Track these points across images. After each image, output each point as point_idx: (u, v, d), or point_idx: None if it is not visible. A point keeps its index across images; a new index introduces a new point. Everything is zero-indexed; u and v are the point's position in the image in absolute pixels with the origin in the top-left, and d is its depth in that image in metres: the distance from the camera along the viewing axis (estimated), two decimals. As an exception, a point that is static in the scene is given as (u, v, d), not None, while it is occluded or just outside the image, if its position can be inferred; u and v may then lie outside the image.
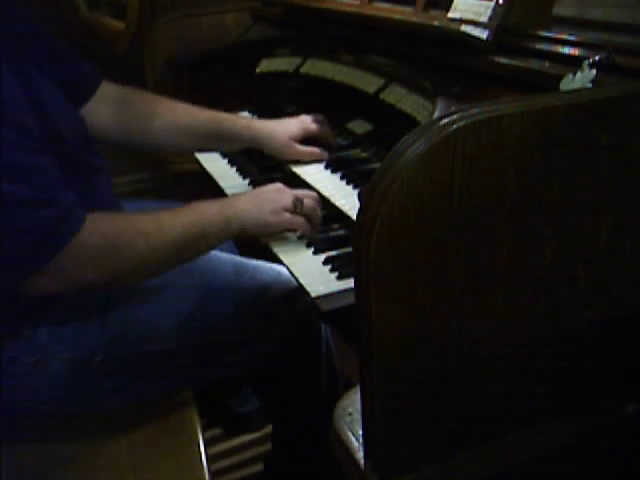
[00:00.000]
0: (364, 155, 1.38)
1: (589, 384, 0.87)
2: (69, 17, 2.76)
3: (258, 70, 1.79)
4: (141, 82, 1.93)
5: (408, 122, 1.20)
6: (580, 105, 0.72)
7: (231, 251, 1.37)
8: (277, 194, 1.14)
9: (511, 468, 0.85)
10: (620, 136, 0.74)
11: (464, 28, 1.12)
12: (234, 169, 1.51)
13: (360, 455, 0.78)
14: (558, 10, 1.13)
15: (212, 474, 1.04)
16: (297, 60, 1.66)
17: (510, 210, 0.70)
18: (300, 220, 1.12)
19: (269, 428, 1.55)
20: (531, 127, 0.69)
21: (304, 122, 1.39)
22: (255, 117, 1.67)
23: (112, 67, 2.41)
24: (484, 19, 1.09)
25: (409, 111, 1.23)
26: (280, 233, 1.16)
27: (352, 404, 0.84)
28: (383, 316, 0.69)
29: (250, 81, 1.79)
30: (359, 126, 1.46)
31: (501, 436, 0.83)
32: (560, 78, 0.92)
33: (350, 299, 0.92)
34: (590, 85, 0.88)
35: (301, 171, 1.34)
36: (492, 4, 1.09)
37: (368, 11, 1.39)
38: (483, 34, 1.09)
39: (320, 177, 1.30)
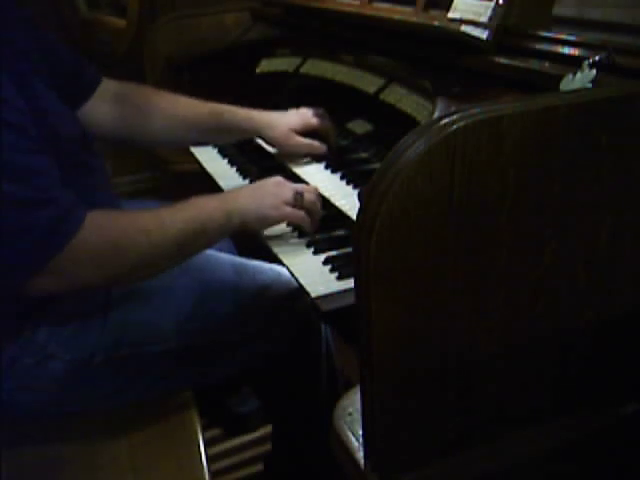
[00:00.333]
0: (364, 155, 1.38)
1: (589, 384, 0.87)
2: (69, 17, 2.76)
3: (258, 70, 1.79)
4: (141, 82, 1.93)
5: (408, 122, 1.20)
6: (580, 105, 0.72)
7: (230, 251, 1.37)
8: (277, 187, 1.13)
9: (511, 468, 0.85)
10: (620, 136, 0.74)
11: (464, 28, 1.12)
12: (234, 169, 1.51)
13: (360, 455, 0.78)
14: (558, 10, 1.13)
15: (212, 474, 1.04)
16: (297, 60, 1.66)
17: (510, 210, 0.70)
18: (300, 214, 1.12)
19: (269, 428, 1.55)
20: (531, 127, 0.69)
21: (305, 115, 1.39)
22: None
23: (112, 67, 2.41)
24: (484, 19, 1.09)
25: (409, 111, 1.23)
26: (280, 234, 1.16)
27: (352, 404, 0.84)
28: (383, 316, 0.69)
29: (250, 81, 1.79)
30: (359, 126, 1.46)
31: (501, 436, 0.83)
32: (560, 78, 0.92)
33: (350, 299, 0.92)
34: (590, 85, 0.88)
35: (301, 171, 1.34)
36: (492, 4, 1.09)
37: (368, 11, 1.39)
38: (483, 34, 1.09)
39: (320, 177, 1.30)
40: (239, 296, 1.16)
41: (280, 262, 1.12)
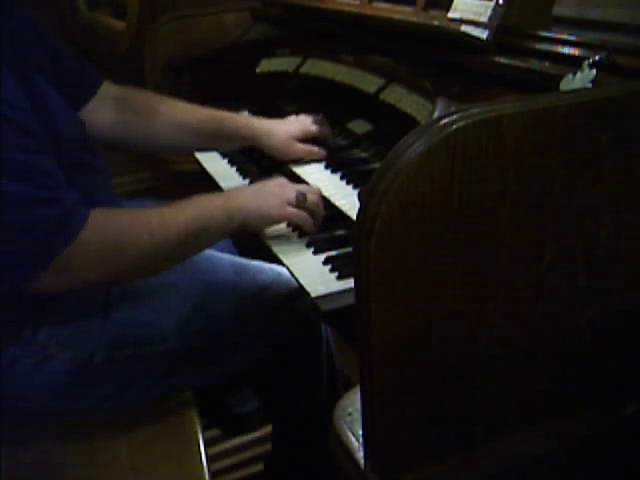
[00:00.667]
0: (364, 155, 1.38)
1: (589, 384, 0.87)
2: (69, 17, 2.76)
3: (258, 70, 1.79)
4: (141, 82, 1.93)
5: (408, 122, 1.20)
6: (580, 105, 0.72)
7: (230, 251, 1.37)
8: (280, 188, 1.14)
9: (511, 468, 0.85)
10: (620, 136, 0.74)
11: (464, 28, 1.12)
12: (234, 169, 1.51)
13: (360, 455, 0.78)
14: (558, 10, 1.13)
15: (212, 474, 1.04)
16: (297, 60, 1.66)
17: (510, 210, 0.70)
18: (303, 214, 1.12)
19: (269, 428, 1.55)
20: (531, 127, 0.69)
21: (304, 123, 1.39)
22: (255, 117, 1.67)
23: (112, 67, 2.41)
24: (484, 19, 1.09)
25: (409, 111, 1.23)
26: (280, 234, 1.16)
27: (352, 404, 0.84)
28: (383, 316, 0.69)
29: (250, 81, 1.79)
30: (359, 126, 1.46)
31: (501, 436, 0.83)
32: (560, 78, 0.92)
33: (350, 299, 0.92)
34: (590, 85, 0.88)
35: (301, 171, 1.34)
36: (492, 4, 1.09)
37: (368, 11, 1.39)
38: (483, 34, 1.09)
39: (320, 177, 1.30)
40: (239, 296, 1.16)
41: (280, 262, 1.12)
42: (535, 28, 1.09)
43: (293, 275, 1.06)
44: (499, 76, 1.08)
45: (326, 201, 1.20)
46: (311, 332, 1.26)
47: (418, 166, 0.65)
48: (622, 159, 0.75)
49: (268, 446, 1.47)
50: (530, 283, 0.76)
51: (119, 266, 0.98)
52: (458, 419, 0.79)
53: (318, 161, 1.37)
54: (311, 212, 1.13)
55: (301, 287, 1.02)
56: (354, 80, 1.44)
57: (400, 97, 1.28)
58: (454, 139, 0.65)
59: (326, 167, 1.34)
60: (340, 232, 1.17)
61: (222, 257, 1.23)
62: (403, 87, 1.30)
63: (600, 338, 0.84)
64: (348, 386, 0.91)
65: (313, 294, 0.99)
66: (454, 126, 0.65)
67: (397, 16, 1.30)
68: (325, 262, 1.07)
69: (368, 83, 1.39)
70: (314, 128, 1.38)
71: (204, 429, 1.12)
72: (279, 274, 1.20)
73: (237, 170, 1.50)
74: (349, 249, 1.08)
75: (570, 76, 0.90)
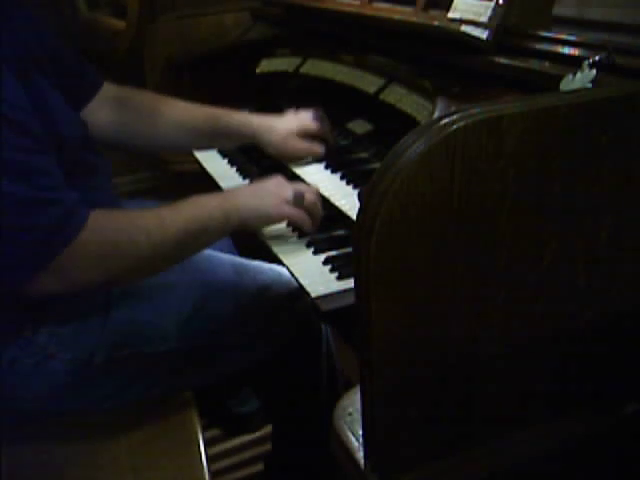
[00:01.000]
0: (364, 155, 1.38)
1: (589, 384, 0.87)
2: (69, 17, 2.76)
3: (258, 70, 1.79)
4: (141, 82, 1.93)
5: (408, 122, 1.20)
6: (580, 105, 0.72)
7: (231, 251, 1.37)
8: (278, 187, 1.14)
9: (511, 468, 0.85)
10: (620, 136, 0.74)
11: (464, 28, 1.12)
12: (234, 169, 1.51)
13: (360, 455, 0.78)
14: (558, 10, 1.13)
15: (212, 474, 1.04)
16: (297, 60, 1.66)
17: (510, 210, 0.70)
18: (301, 214, 1.12)
19: (269, 428, 1.55)
20: (531, 127, 0.69)
21: (303, 119, 1.38)
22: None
23: (112, 67, 2.41)
24: (484, 19, 1.09)
25: (409, 111, 1.23)
26: (280, 234, 1.16)
27: (352, 404, 0.84)
28: (383, 316, 0.69)
29: (250, 81, 1.79)
30: (359, 126, 1.46)
31: (501, 436, 0.83)
32: (560, 78, 0.92)
33: (350, 299, 0.92)
34: (590, 85, 0.88)
35: (301, 171, 1.34)
36: (492, 4, 1.09)
37: (368, 11, 1.39)
38: (483, 34, 1.09)
39: (320, 177, 1.30)
40: (239, 296, 1.16)
41: (280, 262, 1.12)
42: (535, 28, 1.09)
43: (293, 275, 1.06)
44: (499, 76, 1.08)
45: (326, 201, 1.20)
46: (311, 332, 1.26)
47: (418, 166, 0.65)
48: (622, 159, 0.75)
49: (268, 446, 1.47)
50: (530, 283, 0.76)
51: (119, 266, 0.98)
52: (458, 419, 0.79)
53: (318, 161, 1.37)
54: (309, 211, 1.13)
55: (301, 287, 1.02)
56: (354, 80, 1.44)
57: (400, 97, 1.28)
58: (454, 139, 0.65)
59: (326, 167, 1.34)
60: (340, 232, 1.17)
61: (222, 257, 1.23)
62: (403, 87, 1.30)
63: (600, 338, 0.84)
64: (348, 386, 0.91)
65: (313, 294, 0.99)
66: (454, 126, 0.65)
67: (397, 16, 1.30)
68: (325, 262, 1.07)
69: (368, 83, 1.39)
70: (313, 124, 1.38)
71: (204, 429, 1.12)
72: (279, 274, 1.20)
73: (237, 170, 1.50)
74: (349, 249, 1.08)
75: (570, 76, 0.90)
